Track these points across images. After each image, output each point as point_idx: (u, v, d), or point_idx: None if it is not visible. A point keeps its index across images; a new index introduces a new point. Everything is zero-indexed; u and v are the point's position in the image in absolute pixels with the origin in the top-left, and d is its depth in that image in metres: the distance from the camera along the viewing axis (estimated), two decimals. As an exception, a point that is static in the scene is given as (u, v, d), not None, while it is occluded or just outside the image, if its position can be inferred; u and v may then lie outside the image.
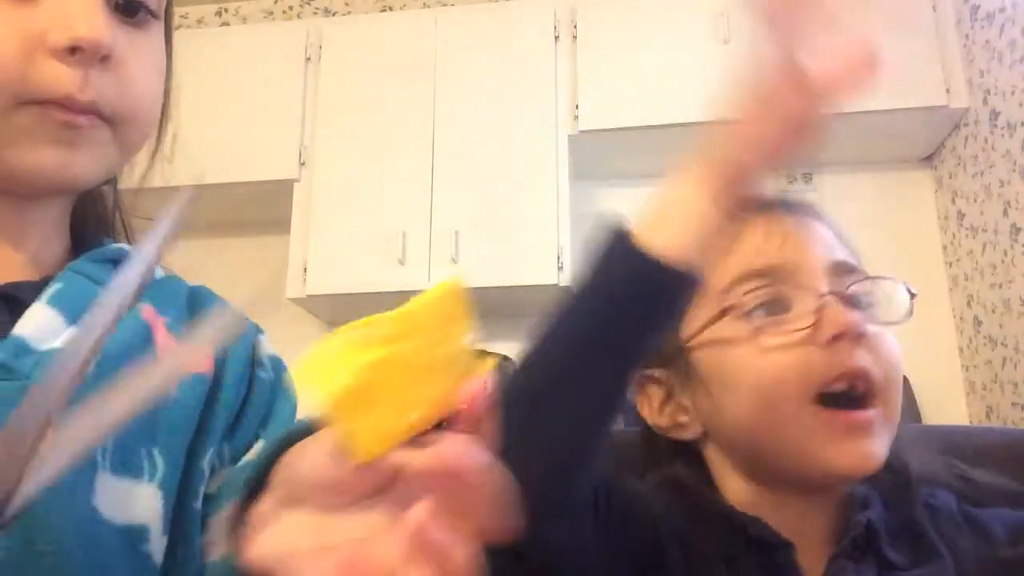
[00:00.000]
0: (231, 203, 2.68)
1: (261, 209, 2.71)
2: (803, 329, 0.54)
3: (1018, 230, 2.07)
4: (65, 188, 0.50)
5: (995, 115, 2.18)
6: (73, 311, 0.46)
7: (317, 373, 0.29)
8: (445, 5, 2.89)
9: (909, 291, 0.59)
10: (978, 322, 2.29)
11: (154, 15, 0.50)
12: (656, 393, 0.63)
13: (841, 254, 0.60)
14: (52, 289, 0.46)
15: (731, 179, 0.48)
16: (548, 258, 2.35)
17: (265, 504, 0.31)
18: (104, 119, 0.46)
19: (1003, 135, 2.14)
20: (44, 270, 0.49)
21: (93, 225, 0.56)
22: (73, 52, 0.43)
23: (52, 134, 0.45)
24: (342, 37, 2.66)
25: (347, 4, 3.03)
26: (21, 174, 0.45)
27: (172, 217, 0.35)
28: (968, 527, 0.58)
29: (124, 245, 0.55)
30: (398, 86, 2.55)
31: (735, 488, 0.60)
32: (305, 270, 2.45)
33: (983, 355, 2.25)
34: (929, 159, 2.59)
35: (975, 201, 2.30)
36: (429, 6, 2.92)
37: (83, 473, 0.42)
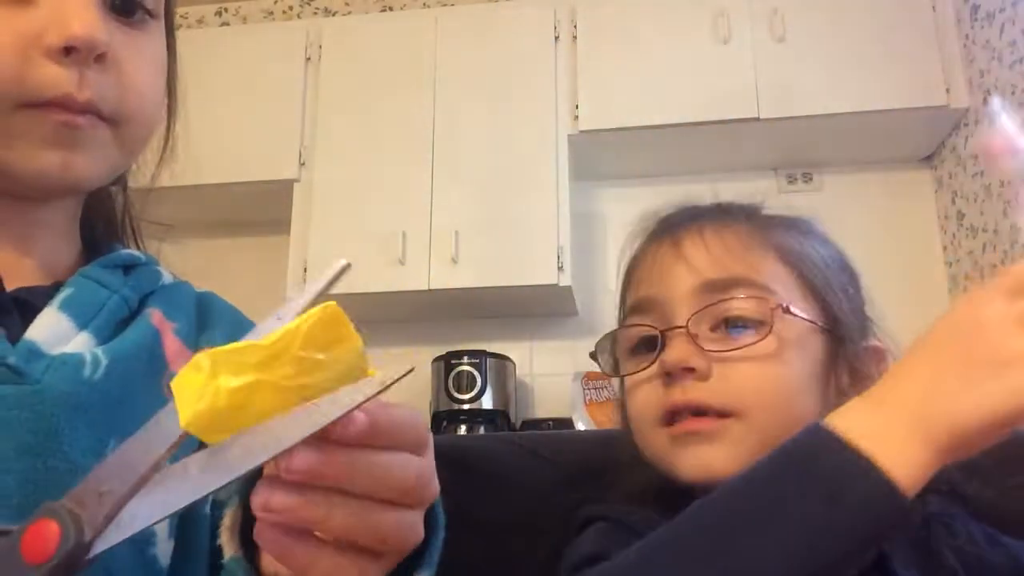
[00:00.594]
0: (231, 203, 2.68)
1: (261, 209, 2.71)
2: (646, 368, 0.60)
3: (1018, 230, 2.07)
4: (68, 189, 0.50)
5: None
6: (83, 316, 0.46)
7: (186, 394, 0.30)
8: (445, 5, 2.89)
9: (784, 307, 0.58)
10: (978, 322, 2.29)
11: (152, 15, 0.50)
12: None
13: (710, 272, 0.60)
14: (63, 294, 0.46)
15: (967, 450, 0.43)
16: (548, 258, 2.35)
17: None
18: (104, 119, 0.46)
19: (1003, 135, 2.14)
20: (56, 275, 0.49)
21: (102, 229, 0.56)
22: (68, 52, 0.44)
23: (52, 136, 0.45)
24: (342, 37, 2.66)
25: (347, 4, 3.03)
26: (23, 176, 0.45)
27: (321, 286, 0.38)
28: (999, 550, 0.56)
29: (135, 251, 0.55)
30: (398, 86, 2.55)
31: None
32: (305, 270, 2.45)
33: (983, 355, 2.25)
34: (929, 159, 2.59)
35: (975, 201, 2.30)
36: (429, 6, 2.92)
37: None
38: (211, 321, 0.55)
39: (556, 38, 2.54)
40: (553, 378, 2.58)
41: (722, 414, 0.56)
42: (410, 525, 0.34)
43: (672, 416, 0.58)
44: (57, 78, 0.44)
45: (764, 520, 0.43)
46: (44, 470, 0.40)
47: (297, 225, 2.50)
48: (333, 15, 3.00)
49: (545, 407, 2.58)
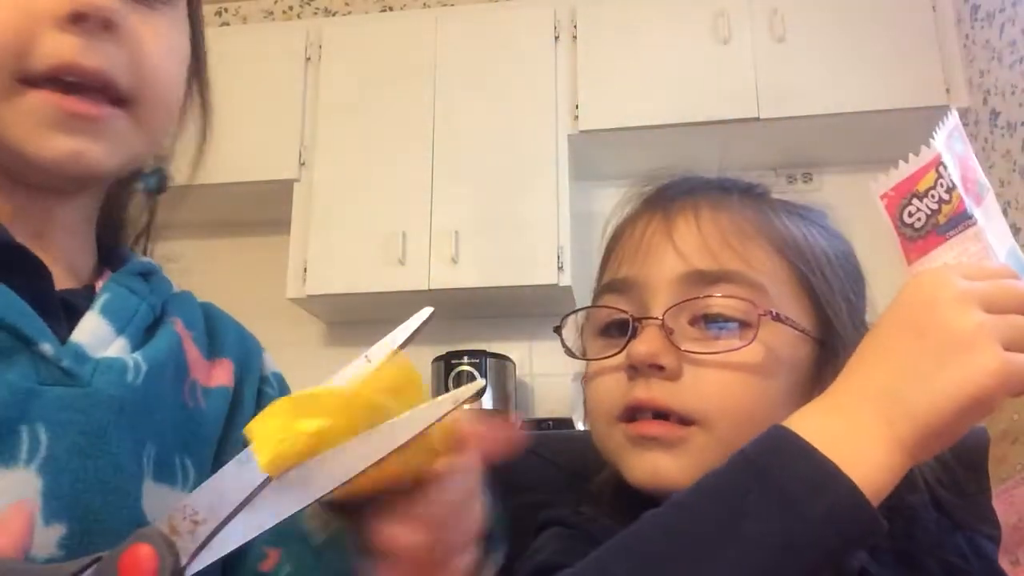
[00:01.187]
0: (231, 203, 2.68)
1: (261, 209, 2.71)
2: (612, 356, 0.55)
3: (1018, 230, 2.07)
4: (83, 177, 0.48)
5: (995, 115, 2.18)
6: (120, 322, 0.47)
7: (264, 437, 0.32)
8: (445, 5, 2.89)
9: (775, 315, 0.53)
10: (978, 322, 2.29)
11: (168, 3, 0.49)
12: None
13: (700, 261, 0.54)
14: (102, 299, 0.47)
15: (934, 446, 0.41)
16: (548, 258, 2.35)
17: None
18: (120, 99, 0.46)
19: (1003, 135, 2.14)
20: (80, 278, 0.50)
21: (104, 228, 0.56)
22: (75, 21, 0.43)
23: (61, 122, 0.44)
24: (342, 37, 2.66)
25: (347, 4, 3.03)
26: (34, 160, 0.44)
27: (408, 333, 0.39)
28: (984, 563, 0.53)
29: (148, 259, 0.56)
30: (398, 86, 2.55)
31: None
32: (305, 270, 2.45)
33: (983, 355, 2.25)
34: (929, 159, 2.59)
35: (975, 201, 2.30)
36: (429, 6, 2.92)
37: (134, 479, 0.43)
38: (220, 333, 0.56)
39: (556, 38, 2.54)
40: (553, 378, 2.58)
41: (685, 421, 0.52)
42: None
43: (632, 413, 0.54)
44: (63, 45, 0.43)
45: (722, 540, 0.39)
46: (93, 470, 0.41)
47: (297, 225, 2.51)
48: (333, 15, 3.00)
49: (545, 407, 2.58)
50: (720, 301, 0.53)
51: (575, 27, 2.53)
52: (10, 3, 0.42)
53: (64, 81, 0.43)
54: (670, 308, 0.54)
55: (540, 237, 2.37)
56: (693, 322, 0.54)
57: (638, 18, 2.50)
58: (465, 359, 2.40)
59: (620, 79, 2.46)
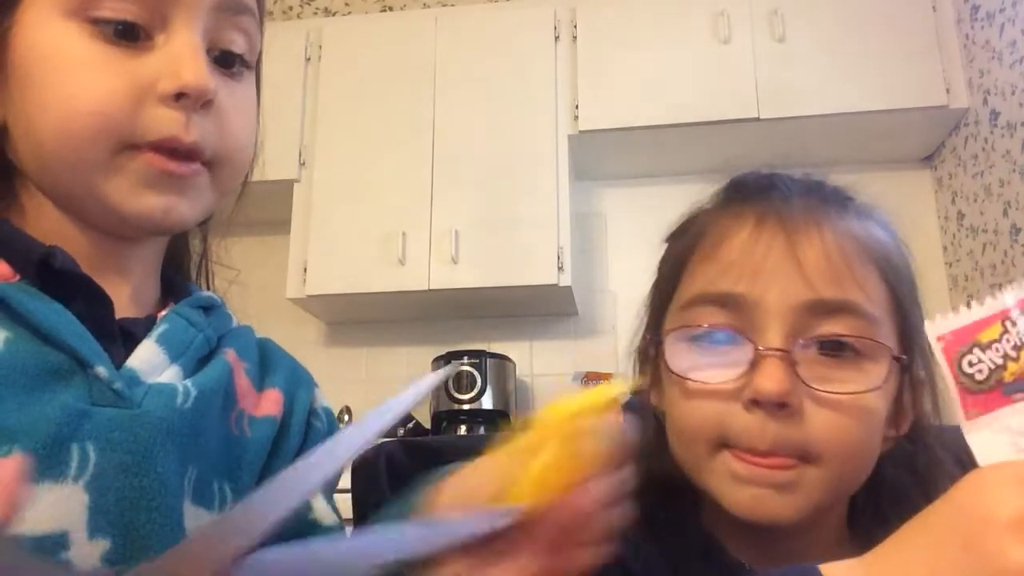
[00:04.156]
0: (231, 203, 2.68)
1: (261, 209, 2.71)
2: (727, 383, 0.51)
3: (1018, 230, 2.07)
4: (168, 231, 0.54)
5: (995, 115, 2.18)
6: (175, 351, 0.50)
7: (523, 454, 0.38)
8: (445, 5, 2.89)
9: (895, 357, 0.51)
10: (978, 322, 2.29)
11: (247, 66, 0.54)
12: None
13: (826, 289, 0.51)
14: (160, 329, 0.51)
15: None
16: (548, 258, 2.35)
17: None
18: (204, 163, 0.50)
19: (1003, 135, 2.14)
20: (146, 308, 0.54)
21: (174, 264, 0.61)
22: (179, 98, 0.47)
23: (156, 181, 0.48)
24: (342, 37, 2.66)
25: (347, 4, 3.03)
26: (128, 218, 0.48)
27: (428, 386, 0.41)
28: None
29: (213, 294, 0.60)
30: (398, 86, 2.55)
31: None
32: (305, 270, 2.45)
33: (983, 355, 2.25)
34: (929, 159, 2.59)
35: (975, 201, 2.30)
36: (429, 6, 2.92)
37: (177, 499, 0.46)
38: (272, 365, 0.59)
39: (556, 38, 2.54)
40: (553, 378, 2.58)
41: (801, 456, 0.50)
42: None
43: (737, 441, 0.51)
44: (167, 120, 0.47)
45: None
46: (139, 488, 0.44)
47: (297, 225, 2.51)
48: (333, 15, 3.00)
49: (545, 407, 2.58)
50: (846, 336, 0.51)
51: (575, 27, 2.53)
52: (124, 75, 0.47)
53: (164, 148, 0.48)
54: (800, 341, 0.51)
55: (540, 237, 2.37)
56: (806, 345, 0.51)
57: (638, 18, 2.51)
58: (465, 359, 2.40)
59: (620, 79, 2.46)
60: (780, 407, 0.50)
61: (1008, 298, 0.40)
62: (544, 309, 2.60)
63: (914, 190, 2.56)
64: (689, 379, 0.53)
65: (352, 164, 2.52)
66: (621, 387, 0.36)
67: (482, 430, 2.37)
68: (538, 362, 2.64)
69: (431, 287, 2.38)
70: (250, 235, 2.81)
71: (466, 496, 0.40)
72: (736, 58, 2.41)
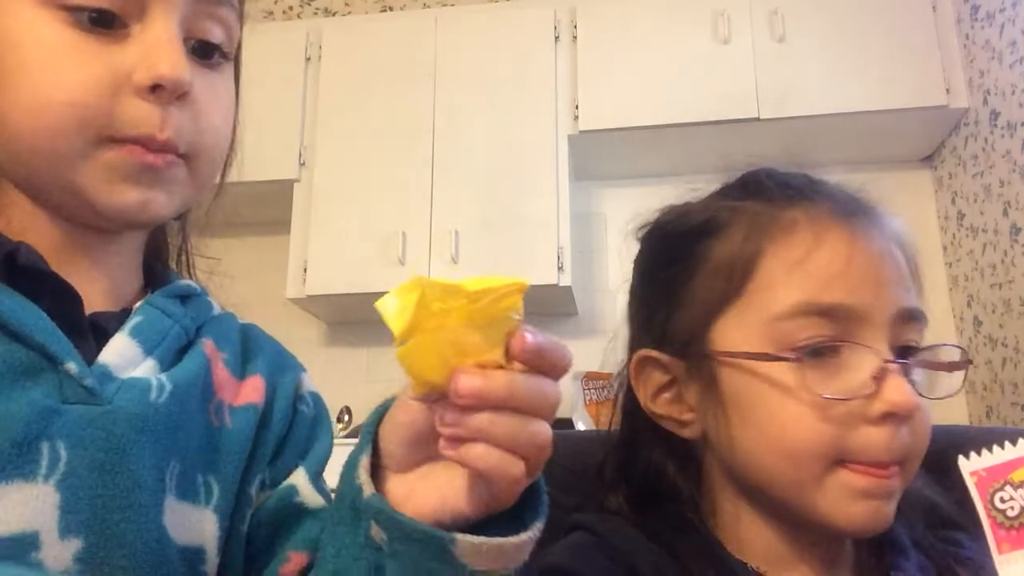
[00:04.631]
0: (231, 203, 2.68)
1: (261, 209, 2.71)
2: (855, 399, 0.50)
3: (1018, 230, 2.07)
4: (145, 224, 0.53)
5: (995, 115, 2.18)
6: (150, 343, 0.49)
7: (394, 310, 0.36)
8: (445, 5, 2.89)
9: (966, 360, 0.54)
10: (978, 322, 2.29)
11: (226, 57, 0.53)
12: (657, 379, 0.58)
13: (910, 297, 0.53)
14: (132, 322, 0.49)
15: None
16: (548, 258, 2.35)
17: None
18: (180, 155, 0.49)
19: (1003, 135, 2.15)
20: (122, 301, 0.52)
21: (155, 256, 0.59)
22: (154, 90, 0.46)
23: (132, 174, 0.47)
24: (342, 37, 2.66)
25: (347, 4, 3.03)
26: (104, 211, 0.48)
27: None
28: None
29: (191, 282, 0.59)
30: (398, 86, 2.55)
31: (730, 511, 0.57)
32: (305, 270, 2.45)
33: (983, 355, 2.25)
34: (929, 159, 2.60)
35: (975, 201, 2.30)
36: (429, 6, 2.92)
37: (155, 495, 0.45)
38: (254, 353, 0.57)
39: (556, 38, 2.54)
40: (553, 378, 2.58)
41: (900, 464, 0.51)
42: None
43: (853, 457, 0.51)
44: (143, 117, 0.46)
45: None
46: (112, 486, 0.43)
47: (297, 225, 2.51)
48: (333, 15, 3.00)
49: (545, 407, 2.58)
50: (943, 350, 0.54)
51: (575, 27, 2.54)
52: (99, 64, 0.45)
53: (140, 141, 0.47)
54: (917, 354, 0.53)
55: (540, 237, 2.37)
56: (906, 355, 0.53)
57: (638, 18, 2.51)
58: (465, 359, 2.40)
59: (620, 79, 2.46)
60: (910, 417, 0.50)
61: None
62: (544, 309, 2.60)
63: (914, 190, 2.57)
64: (817, 395, 0.50)
65: (352, 164, 2.52)
66: (527, 279, 0.36)
67: (482, 430, 2.38)
68: (538, 362, 2.64)
69: (431, 287, 2.38)
70: (250, 235, 2.82)
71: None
72: (736, 58, 2.41)
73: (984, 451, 0.43)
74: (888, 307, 0.52)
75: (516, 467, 0.37)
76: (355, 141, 2.53)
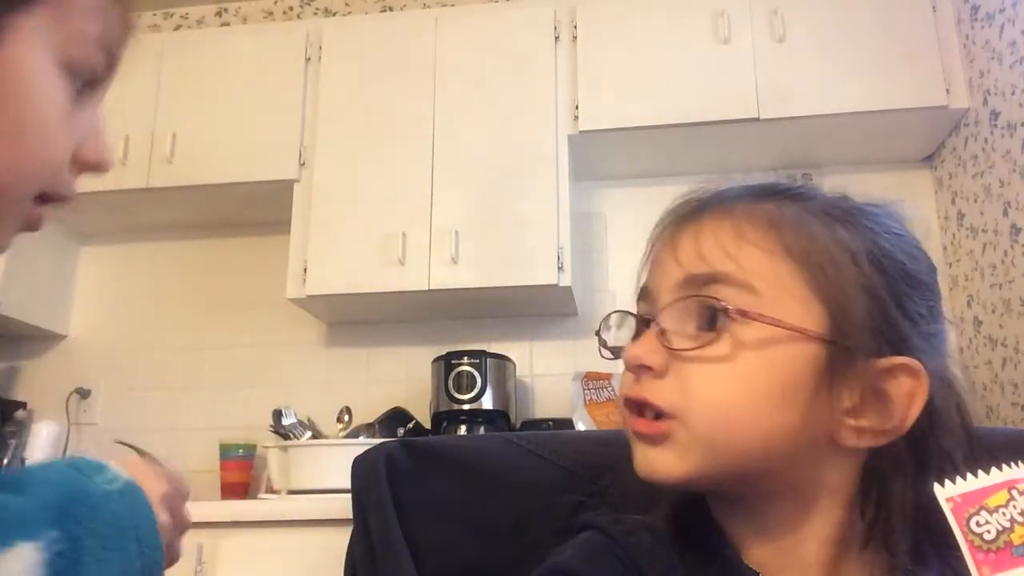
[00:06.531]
0: (231, 203, 2.68)
1: (261, 209, 2.71)
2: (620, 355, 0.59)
3: (1018, 230, 2.07)
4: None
5: (995, 115, 2.18)
6: None
7: None
8: (445, 5, 2.89)
9: (738, 311, 0.54)
10: (978, 322, 2.29)
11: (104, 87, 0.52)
12: None
13: (694, 267, 0.56)
14: None
15: None
16: (548, 258, 2.35)
17: None
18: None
19: (1003, 135, 2.15)
20: None
21: None
22: (89, 169, 0.47)
23: (28, 227, 0.47)
24: (342, 37, 2.66)
25: (347, 4, 3.03)
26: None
27: None
28: None
29: None
30: (398, 86, 2.55)
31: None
32: (305, 270, 2.45)
33: (983, 355, 2.25)
34: (929, 159, 2.60)
35: (975, 201, 2.30)
36: (429, 6, 2.92)
37: None
38: None
39: (556, 38, 2.54)
40: (553, 378, 2.58)
41: (664, 415, 0.55)
42: None
43: (632, 409, 0.57)
44: (71, 183, 0.47)
45: None
46: None
47: (297, 225, 2.51)
48: (333, 15, 3.00)
49: (545, 407, 2.58)
50: (697, 300, 0.55)
51: (575, 27, 2.53)
52: (70, 134, 0.45)
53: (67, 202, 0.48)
54: (663, 309, 0.56)
55: (540, 237, 2.37)
56: (699, 326, 0.55)
57: (638, 18, 2.51)
58: (465, 359, 2.40)
59: (620, 79, 2.46)
60: (646, 369, 0.55)
61: (1017, 471, 0.45)
62: (544, 309, 2.60)
63: (914, 190, 2.57)
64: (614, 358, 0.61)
65: (352, 164, 2.52)
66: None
67: (482, 430, 2.37)
68: (538, 362, 2.64)
69: (431, 287, 2.38)
70: (250, 235, 2.82)
71: None
72: (736, 58, 2.41)
73: (959, 479, 0.45)
74: (667, 280, 0.58)
75: None
76: (355, 141, 2.53)
